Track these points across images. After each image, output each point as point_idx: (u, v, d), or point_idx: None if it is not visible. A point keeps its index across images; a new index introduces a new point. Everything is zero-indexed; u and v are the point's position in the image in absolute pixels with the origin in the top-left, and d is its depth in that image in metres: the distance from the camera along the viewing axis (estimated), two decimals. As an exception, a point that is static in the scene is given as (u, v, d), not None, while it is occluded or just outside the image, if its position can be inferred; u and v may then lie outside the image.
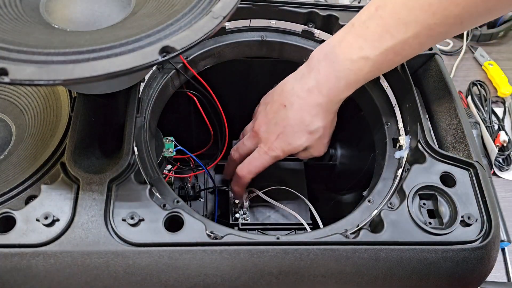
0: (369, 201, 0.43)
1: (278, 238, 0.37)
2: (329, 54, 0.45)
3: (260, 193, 0.57)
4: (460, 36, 0.97)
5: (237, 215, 0.57)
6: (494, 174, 0.79)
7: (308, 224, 0.56)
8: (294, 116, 0.48)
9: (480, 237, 0.38)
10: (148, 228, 0.37)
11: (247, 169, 0.53)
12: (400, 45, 0.41)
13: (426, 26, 0.40)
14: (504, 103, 0.89)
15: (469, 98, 0.88)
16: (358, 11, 0.54)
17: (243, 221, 0.57)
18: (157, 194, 0.40)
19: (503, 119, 0.85)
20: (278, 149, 0.50)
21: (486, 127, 0.82)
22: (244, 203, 0.57)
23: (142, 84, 0.49)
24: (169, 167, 0.55)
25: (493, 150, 0.79)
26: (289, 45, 0.56)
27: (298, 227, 0.56)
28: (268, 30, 0.55)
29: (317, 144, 0.51)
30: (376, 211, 0.41)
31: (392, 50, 0.42)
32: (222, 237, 0.37)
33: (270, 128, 0.50)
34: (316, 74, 0.46)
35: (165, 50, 0.32)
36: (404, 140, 0.47)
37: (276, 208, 0.58)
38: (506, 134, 0.81)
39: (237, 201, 0.58)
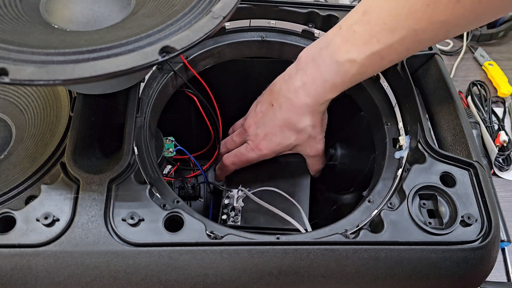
0: (369, 201, 0.43)
1: (278, 238, 0.37)
2: (316, 56, 0.46)
3: (249, 194, 0.53)
4: (460, 36, 0.97)
5: (224, 217, 0.54)
6: (494, 174, 0.78)
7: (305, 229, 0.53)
8: (282, 116, 0.49)
9: (480, 237, 0.38)
10: (148, 228, 0.37)
11: (232, 161, 0.55)
12: (386, 50, 0.42)
13: (411, 32, 0.40)
14: (504, 103, 0.89)
15: (469, 98, 0.88)
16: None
17: (232, 223, 0.54)
18: (157, 194, 0.40)
19: (503, 119, 0.85)
20: (266, 148, 0.52)
21: (486, 127, 0.82)
22: (235, 204, 0.55)
23: (142, 84, 0.49)
24: (169, 167, 0.55)
25: (493, 150, 0.79)
26: (289, 45, 0.56)
27: (293, 232, 0.53)
28: (268, 30, 0.55)
29: (308, 143, 0.52)
30: (376, 211, 0.41)
31: (378, 54, 0.42)
32: (222, 237, 0.37)
33: (259, 127, 0.52)
34: (303, 76, 0.47)
35: (165, 50, 0.31)
36: (404, 140, 0.47)
37: (271, 210, 0.56)
38: (506, 134, 0.81)
39: (226, 202, 0.55)
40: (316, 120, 0.50)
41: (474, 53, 0.97)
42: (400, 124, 0.49)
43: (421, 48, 0.44)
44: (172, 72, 0.51)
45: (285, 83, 0.49)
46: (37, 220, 0.36)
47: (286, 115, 0.49)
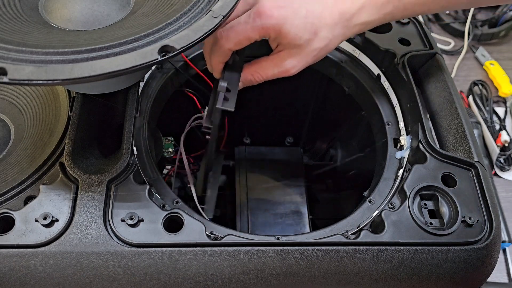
0: (370, 202, 0.42)
1: (278, 239, 0.37)
2: None
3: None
4: (461, 36, 0.97)
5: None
6: (495, 174, 0.78)
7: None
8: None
9: (481, 238, 0.38)
10: (148, 228, 0.36)
11: (226, 34, 0.39)
12: None
13: None
14: (505, 102, 0.88)
15: (470, 97, 0.88)
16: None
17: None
18: (157, 194, 0.40)
19: (504, 119, 0.85)
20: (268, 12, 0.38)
21: (487, 127, 0.82)
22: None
23: (142, 84, 0.48)
24: (168, 167, 0.55)
25: (494, 150, 0.78)
26: (290, 44, 0.55)
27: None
28: (268, 30, 0.55)
29: (307, 43, 0.40)
30: (377, 211, 0.41)
31: None
32: (222, 237, 0.37)
33: None
34: None
35: (164, 50, 0.31)
36: (405, 140, 0.47)
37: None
38: (508, 134, 0.81)
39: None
40: (335, 37, 0.40)
41: (475, 53, 0.96)
42: (401, 124, 0.49)
43: None
44: (172, 72, 0.50)
45: None
46: (36, 220, 0.35)
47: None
